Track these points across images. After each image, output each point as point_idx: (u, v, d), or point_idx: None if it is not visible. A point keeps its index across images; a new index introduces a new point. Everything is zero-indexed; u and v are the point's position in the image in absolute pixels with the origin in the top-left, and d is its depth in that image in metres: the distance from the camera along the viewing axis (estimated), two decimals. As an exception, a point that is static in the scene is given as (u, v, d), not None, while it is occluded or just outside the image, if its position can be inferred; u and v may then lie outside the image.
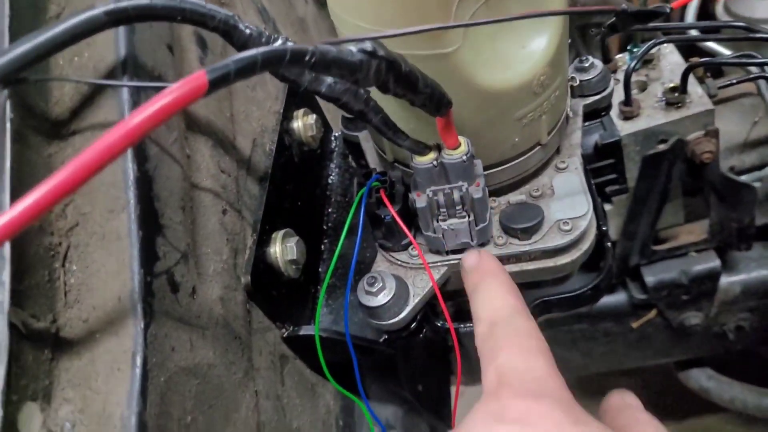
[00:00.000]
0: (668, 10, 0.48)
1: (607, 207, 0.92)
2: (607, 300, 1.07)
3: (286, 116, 0.66)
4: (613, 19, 0.52)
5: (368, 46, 0.37)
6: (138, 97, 0.43)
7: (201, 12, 0.40)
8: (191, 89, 0.29)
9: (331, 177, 0.76)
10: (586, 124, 0.71)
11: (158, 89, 0.38)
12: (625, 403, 0.43)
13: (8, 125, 0.38)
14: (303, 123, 0.69)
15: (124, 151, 0.29)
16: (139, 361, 0.37)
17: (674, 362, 1.25)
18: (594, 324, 1.09)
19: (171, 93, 0.29)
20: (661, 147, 0.80)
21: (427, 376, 0.92)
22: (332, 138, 0.78)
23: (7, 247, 0.36)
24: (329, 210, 0.73)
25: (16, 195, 0.38)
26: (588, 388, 1.57)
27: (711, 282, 0.98)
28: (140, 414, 0.36)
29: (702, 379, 1.25)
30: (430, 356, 0.95)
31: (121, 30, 0.44)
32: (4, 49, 0.37)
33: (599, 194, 0.85)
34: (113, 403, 0.37)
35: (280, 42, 0.43)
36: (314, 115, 0.69)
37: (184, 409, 0.41)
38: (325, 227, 0.71)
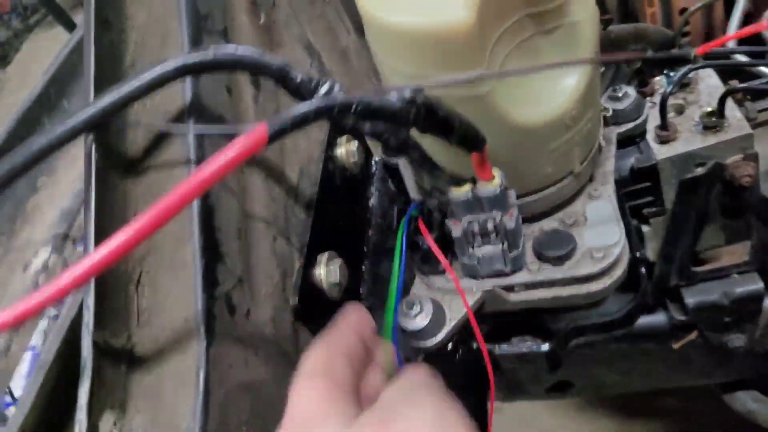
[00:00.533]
0: (692, 56, 0.49)
1: (645, 229, 0.92)
2: (647, 320, 1.06)
3: (330, 143, 0.70)
4: (639, 64, 0.54)
5: (408, 93, 0.41)
6: (201, 139, 0.47)
7: (258, 64, 0.44)
8: (254, 143, 0.34)
9: (372, 200, 0.80)
10: (624, 148, 0.73)
11: (219, 135, 0.43)
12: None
13: (93, 166, 0.43)
14: (346, 150, 0.73)
15: (195, 197, 0.33)
16: (202, 377, 0.42)
17: (717, 384, 1.23)
18: (633, 344, 1.08)
19: (236, 146, 0.33)
20: (699, 171, 0.80)
21: (466, 394, 0.94)
22: (373, 162, 0.82)
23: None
24: (370, 232, 0.77)
25: (97, 227, 0.43)
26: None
27: (754, 304, 0.97)
28: (203, 426, 0.41)
29: (748, 402, 1.22)
30: (468, 375, 0.97)
31: (188, 77, 0.49)
32: (91, 101, 0.42)
33: (636, 216, 0.86)
34: (179, 415, 0.41)
35: (327, 86, 0.47)
36: (356, 142, 0.73)
37: (240, 421, 0.45)
38: (365, 249, 0.75)
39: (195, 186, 0.33)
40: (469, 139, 0.46)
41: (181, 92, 0.48)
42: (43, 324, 0.74)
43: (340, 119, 0.45)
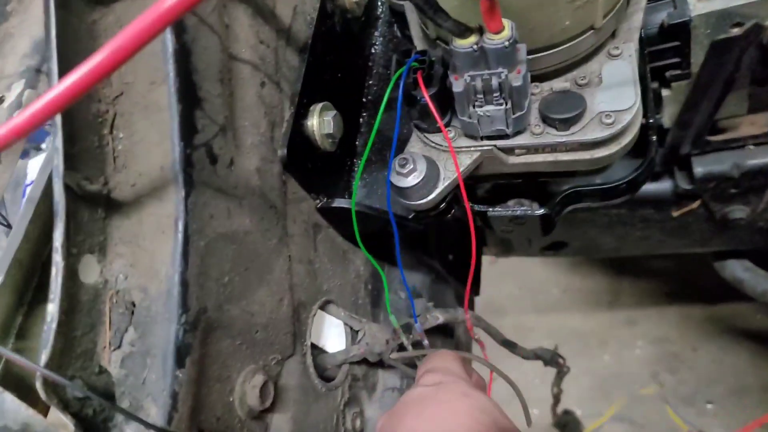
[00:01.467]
0: None
1: (665, 92, 0.87)
2: (650, 187, 1.05)
3: (331, -20, 0.63)
4: None
5: None
6: (175, -36, 0.42)
7: None
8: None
9: (375, 47, 0.74)
10: (654, 2, 0.66)
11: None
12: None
13: (50, -8, 0.38)
14: (348, -12, 0.66)
15: (163, 29, 0.30)
16: (180, 226, 0.41)
17: (710, 252, 1.24)
18: (633, 209, 1.08)
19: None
20: (735, 31, 0.73)
21: (459, 247, 0.96)
22: (378, 4, 0.75)
23: (57, 114, 0.39)
24: (370, 82, 0.72)
25: (62, 61, 0.39)
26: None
27: (764, 177, 0.95)
28: (182, 273, 0.41)
29: (738, 270, 1.25)
30: (462, 229, 0.98)
31: None
32: None
33: (658, 78, 0.80)
34: (159, 261, 0.41)
35: None
36: (360, -20, 0.66)
37: (222, 270, 0.45)
38: (364, 100, 0.71)
39: (167, 10, 0.29)
40: (478, -20, 0.40)
41: None
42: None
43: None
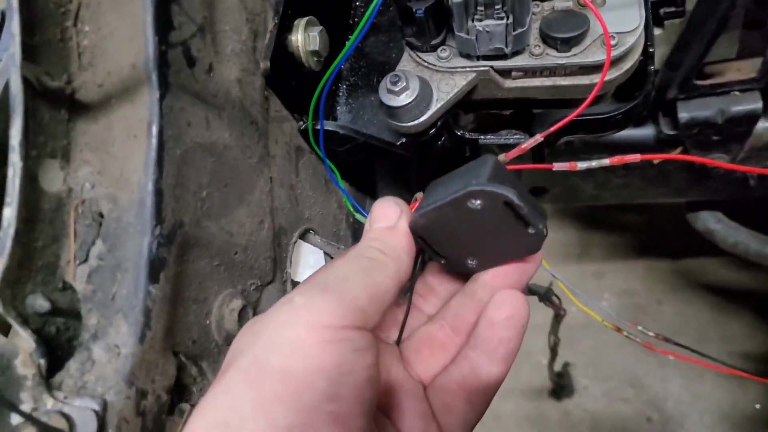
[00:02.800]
0: None
1: (657, 32, 0.84)
2: (633, 132, 1.04)
3: None
4: None
5: None
6: None
7: None
8: None
9: (363, -35, 0.69)
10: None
11: None
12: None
13: None
14: None
15: None
16: (155, 130, 0.37)
17: (686, 202, 1.25)
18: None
19: None
20: (735, -33, 0.71)
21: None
22: None
23: (14, -2, 0.34)
24: (357, 3, 0.68)
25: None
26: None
27: (748, 124, 0.94)
28: (156, 181, 0.37)
29: (710, 221, 1.26)
30: (444, 167, 0.95)
31: None
32: None
33: (652, 15, 0.78)
34: (130, 169, 0.38)
35: None
36: None
37: (200, 183, 0.42)
38: (351, 22, 0.67)
39: None
40: None
41: None
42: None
43: None
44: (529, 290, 0.75)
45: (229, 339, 0.46)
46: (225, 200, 0.45)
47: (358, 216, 0.60)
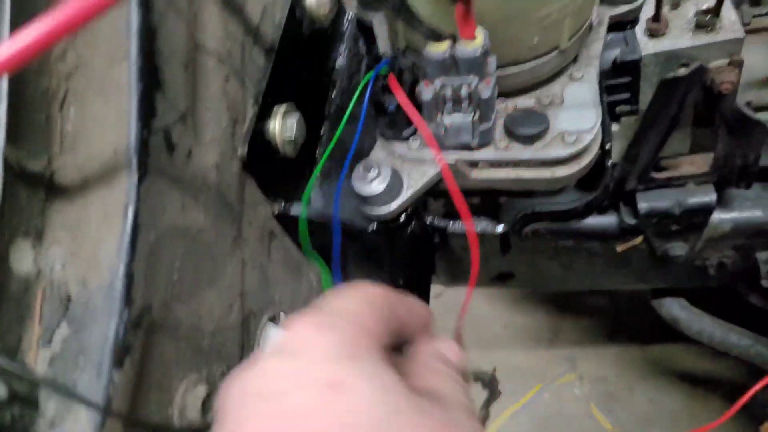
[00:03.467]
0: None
1: (614, 127, 0.90)
2: (597, 221, 1.08)
3: (300, -12, 0.63)
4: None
5: None
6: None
7: None
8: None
9: (339, 60, 0.74)
10: (608, 37, 0.69)
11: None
12: (433, 354, 0.38)
13: (6, -49, 0.35)
14: (316, -1, 0.65)
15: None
16: (130, 214, 0.38)
17: (650, 289, 1.28)
18: (580, 242, 1.10)
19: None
20: (682, 71, 0.77)
21: (410, 271, 0.94)
22: (345, 20, 0.75)
23: (4, 83, 0.36)
24: (333, 95, 0.72)
25: (16, 26, 0.36)
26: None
27: (703, 215, 0.99)
28: (128, 265, 0.37)
29: (674, 308, 1.29)
30: (415, 252, 0.97)
31: None
32: None
33: (609, 113, 0.83)
34: (103, 251, 0.38)
35: None
36: (329, -9, 0.66)
37: (172, 266, 0.42)
38: (326, 112, 0.70)
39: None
40: (455, -15, 0.40)
41: None
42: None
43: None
44: (474, 377, 0.75)
45: (190, 428, 0.45)
46: (196, 283, 0.45)
47: None
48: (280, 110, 0.57)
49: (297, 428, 0.26)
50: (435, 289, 1.81)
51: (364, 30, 0.69)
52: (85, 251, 0.39)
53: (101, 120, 0.39)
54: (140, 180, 0.39)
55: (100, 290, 0.39)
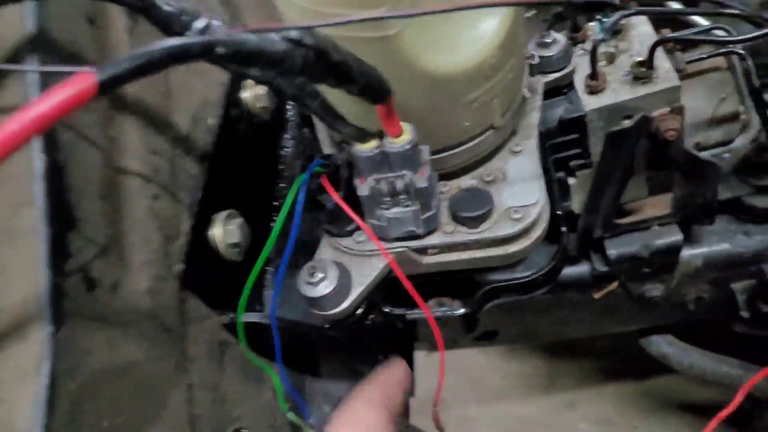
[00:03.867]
0: (618, 1, 0.44)
1: (571, 181, 0.90)
2: (570, 271, 1.06)
3: (234, 87, 0.62)
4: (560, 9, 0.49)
5: (294, 34, 0.34)
6: (48, 79, 0.39)
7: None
8: (76, 94, 0.26)
9: (285, 149, 0.73)
10: (552, 99, 0.69)
11: (64, 74, 0.35)
12: None
13: None
14: (253, 93, 0.65)
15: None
16: (45, 369, 0.35)
17: (638, 329, 1.26)
18: (556, 295, 1.09)
19: (50, 99, 0.26)
20: (626, 123, 0.77)
21: (389, 347, 0.91)
22: (287, 107, 0.75)
23: None
24: (281, 185, 0.70)
25: None
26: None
27: (672, 255, 0.98)
28: (46, 426, 0.34)
29: (662, 345, 1.26)
30: (388, 330, 0.94)
31: (29, 2, 0.40)
32: None
33: (563, 168, 0.83)
34: (17, 414, 0.35)
35: (203, 23, 0.39)
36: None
37: (100, 414, 0.39)
38: (276, 203, 0.69)
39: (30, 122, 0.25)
40: (372, 89, 0.39)
41: (21, 19, 0.39)
42: None
43: (213, 62, 0.38)
44: None
45: None
46: (131, 423, 0.42)
47: (290, 416, 0.57)
48: (220, 216, 0.55)
49: None
50: (423, 350, 1.77)
51: (306, 118, 0.68)
52: (0, 416, 0.36)
53: (9, 269, 0.37)
54: (56, 329, 0.36)
55: (20, 456, 0.35)
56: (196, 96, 0.57)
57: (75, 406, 0.37)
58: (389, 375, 0.56)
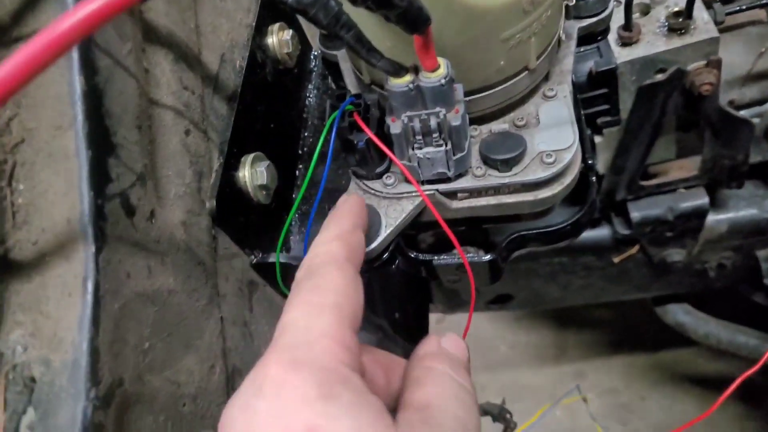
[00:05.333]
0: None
1: (597, 139, 0.89)
2: (590, 234, 1.06)
3: (260, 31, 0.61)
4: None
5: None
6: None
7: None
8: (125, -9, 0.26)
9: (309, 99, 0.72)
10: (581, 49, 0.67)
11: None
12: (429, 352, 0.40)
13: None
14: (278, 39, 0.64)
15: (52, 60, 0.26)
16: (90, 287, 0.36)
17: (652, 297, 1.26)
18: (574, 258, 1.09)
19: (101, -5, 0.26)
20: (659, 77, 0.76)
21: (405, 304, 0.92)
22: (311, 57, 0.74)
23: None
24: (305, 134, 0.70)
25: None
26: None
27: (697, 219, 0.97)
28: (92, 340, 0.35)
29: (679, 314, 1.27)
30: (407, 285, 0.94)
31: None
32: None
33: (590, 126, 0.82)
34: (64, 328, 0.36)
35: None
36: (291, 31, 0.65)
37: (141, 335, 0.40)
38: (300, 152, 0.69)
39: (57, 36, 0.25)
40: (411, 16, 0.39)
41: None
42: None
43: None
44: (483, 410, 0.73)
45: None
46: (170, 349, 0.42)
47: None
48: (248, 158, 0.55)
49: None
50: (435, 315, 1.78)
51: (331, 67, 0.68)
52: (47, 330, 0.37)
53: (52, 191, 0.37)
54: (98, 250, 0.37)
55: (65, 369, 0.36)
56: (223, 36, 0.57)
57: (118, 326, 0.37)
58: (339, 213, 0.46)
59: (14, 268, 0.38)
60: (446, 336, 0.43)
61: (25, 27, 0.39)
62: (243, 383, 0.32)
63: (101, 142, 0.38)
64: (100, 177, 0.38)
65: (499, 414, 0.75)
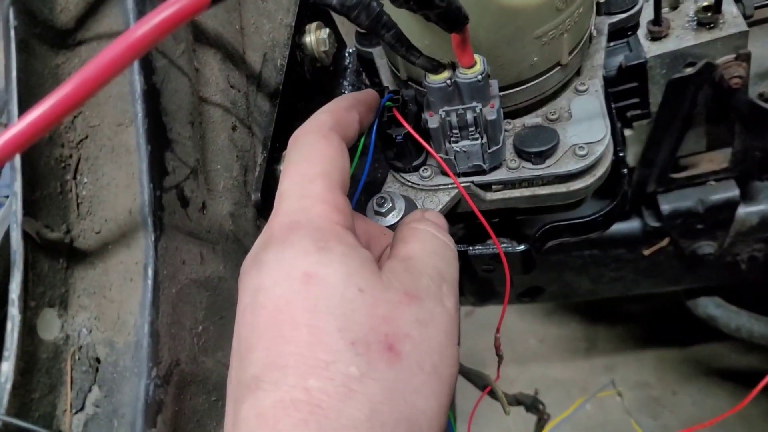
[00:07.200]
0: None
1: (628, 133, 0.89)
2: (621, 227, 1.06)
3: (298, 30, 0.64)
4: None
5: (380, -46, 0.35)
6: (143, 6, 0.41)
7: None
8: (193, 1, 0.28)
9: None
10: (611, 44, 0.68)
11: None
12: (415, 218, 0.44)
13: (12, 33, 0.37)
14: (316, 38, 0.66)
15: (129, 63, 0.28)
16: (150, 272, 0.38)
17: (683, 290, 1.25)
18: (605, 250, 1.09)
19: (174, 4, 0.28)
20: (688, 71, 0.76)
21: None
22: (346, 54, 0.76)
23: (17, 159, 0.37)
24: (342, 129, 0.72)
25: (24, 106, 0.38)
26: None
27: (728, 212, 0.97)
28: (153, 322, 0.38)
29: (710, 307, 1.26)
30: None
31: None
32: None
33: (620, 119, 0.83)
34: (127, 312, 0.38)
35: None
36: (327, 30, 0.67)
37: (196, 319, 0.42)
38: (337, 147, 0.71)
39: (128, 45, 0.28)
40: (450, 15, 0.40)
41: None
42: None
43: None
44: (516, 400, 0.74)
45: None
46: (221, 333, 0.45)
47: None
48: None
49: (279, 315, 0.32)
50: (465, 308, 1.79)
51: (365, 63, 0.70)
52: (110, 313, 0.40)
53: (114, 184, 0.40)
54: (157, 238, 0.39)
55: (128, 350, 0.39)
56: (265, 36, 0.59)
57: (175, 310, 0.40)
58: (345, 98, 0.47)
59: (79, 256, 0.41)
60: (429, 210, 0.49)
61: (88, 31, 0.42)
62: (255, 243, 0.36)
63: (159, 138, 0.41)
64: (158, 170, 0.40)
65: (531, 404, 0.76)
